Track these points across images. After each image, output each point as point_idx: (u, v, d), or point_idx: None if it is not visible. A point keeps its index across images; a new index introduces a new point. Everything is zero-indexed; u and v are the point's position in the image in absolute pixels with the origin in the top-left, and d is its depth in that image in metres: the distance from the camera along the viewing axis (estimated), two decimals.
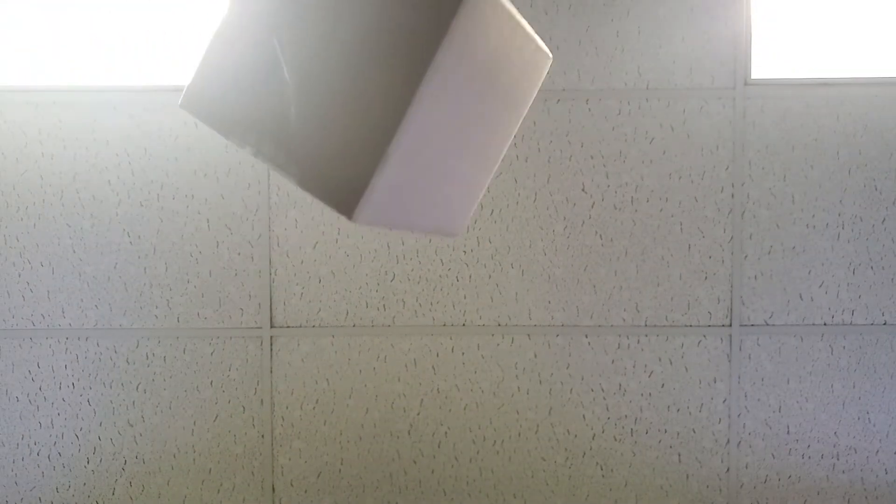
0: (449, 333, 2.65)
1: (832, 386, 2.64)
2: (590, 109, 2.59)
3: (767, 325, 2.63)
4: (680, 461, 2.67)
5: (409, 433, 2.68)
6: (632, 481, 2.68)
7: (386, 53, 0.52)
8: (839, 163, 2.60)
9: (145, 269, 2.63)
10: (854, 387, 2.64)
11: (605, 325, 2.64)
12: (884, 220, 2.61)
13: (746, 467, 2.67)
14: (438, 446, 2.68)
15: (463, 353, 2.65)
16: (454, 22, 0.51)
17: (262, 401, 2.66)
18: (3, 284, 2.64)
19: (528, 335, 2.64)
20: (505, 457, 2.68)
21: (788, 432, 2.66)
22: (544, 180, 2.61)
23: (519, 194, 2.62)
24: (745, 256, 2.62)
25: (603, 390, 2.66)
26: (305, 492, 2.69)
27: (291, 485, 2.69)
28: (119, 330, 2.64)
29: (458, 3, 0.52)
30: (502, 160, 2.60)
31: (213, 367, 2.66)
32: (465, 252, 2.63)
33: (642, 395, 2.66)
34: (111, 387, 2.66)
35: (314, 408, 2.66)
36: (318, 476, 2.69)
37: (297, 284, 2.64)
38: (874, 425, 2.65)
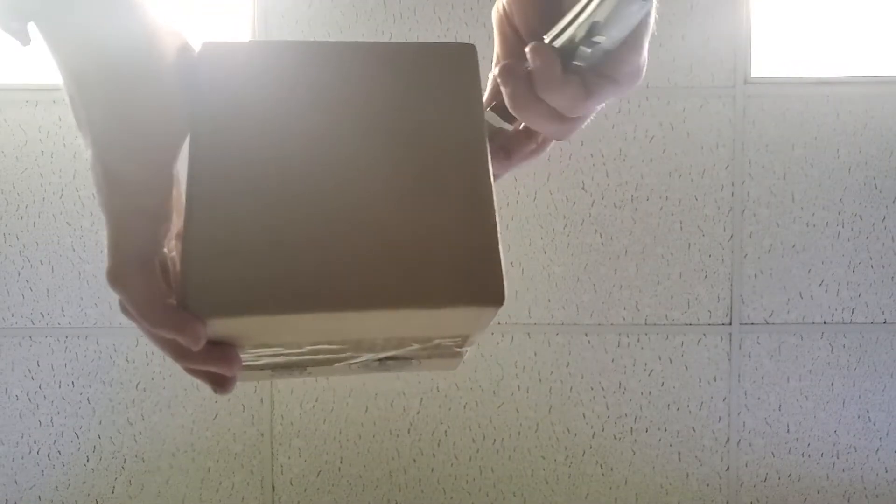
0: None
1: (832, 384, 2.64)
2: None
3: (767, 323, 2.63)
4: (680, 459, 2.67)
5: (408, 432, 2.67)
6: (632, 480, 2.67)
7: None
8: (839, 161, 2.60)
9: None
10: (854, 385, 2.64)
11: (604, 323, 2.64)
12: (884, 218, 2.61)
13: (746, 466, 2.67)
14: (438, 445, 2.68)
15: None
16: None
17: (261, 399, 2.66)
18: (2, 283, 2.64)
19: (528, 333, 2.64)
20: (505, 455, 2.68)
21: (788, 431, 2.66)
22: (544, 179, 2.61)
23: (518, 193, 2.61)
24: (745, 255, 2.62)
25: (603, 389, 2.66)
26: (305, 490, 2.69)
27: (291, 483, 2.68)
28: (119, 328, 2.63)
29: None
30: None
31: None
32: None
33: (642, 393, 2.65)
34: (111, 385, 2.66)
35: (314, 406, 2.66)
36: (318, 475, 2.68)
37: None
38: (874, 424, 2.65)
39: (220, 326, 0.45)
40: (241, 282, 0.44)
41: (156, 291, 0.50)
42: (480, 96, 0.50)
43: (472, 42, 0.52)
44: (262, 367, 0.55)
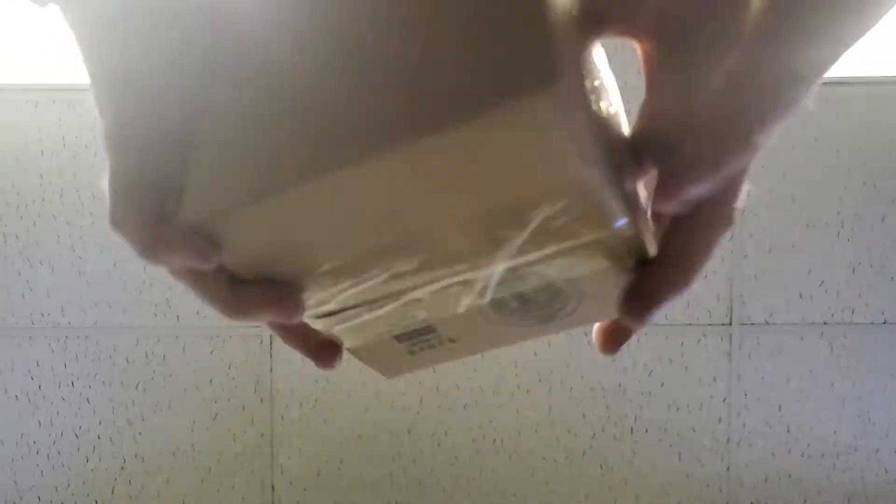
0: None
1: (832, 385, 2.64)
2: None
3: (767, 323, 2.63)
4: (680, 460, 2.67)
5: (408, 432, 2.68)
6: (631, 480, 2.68)
7: None
8: (839, 161, 2.60)
9: (145, 267, 2.62)
10: (854, 385, 2.64)
11: None
12: (883, 218, 2.61)
13: (746, 466, 2.67)
14: (438, 445, 2.68)
15: None
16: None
17: (261, 399, 2.66)
18: (2, 283, 2.64)
19: None
20: (505, 455, 2.68)
21: (788, 431, 2.66)
22: None
23: None
24: (745, 255, 2.62)
25: (603, 389, 2.66)
26: (305, 490, 2.69)
27: (291, 483, 2.69)
28: (118, 328, 2.63)
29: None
30: None
31: (213, 366, 2.66)
32: None
33: (642, 393, 2.66)
34: (111, 385, 2.66)
35: (314, 406, 2.66)
36: (318, 475, 2.69)
37: None
38: (874, 424, 2.65)
39: (235, 242, 0.40)
40: (236, 178, 0.39)
41: (157, 213, 0.44)
42: None
43: None
44: (375, 325, 0.48)
